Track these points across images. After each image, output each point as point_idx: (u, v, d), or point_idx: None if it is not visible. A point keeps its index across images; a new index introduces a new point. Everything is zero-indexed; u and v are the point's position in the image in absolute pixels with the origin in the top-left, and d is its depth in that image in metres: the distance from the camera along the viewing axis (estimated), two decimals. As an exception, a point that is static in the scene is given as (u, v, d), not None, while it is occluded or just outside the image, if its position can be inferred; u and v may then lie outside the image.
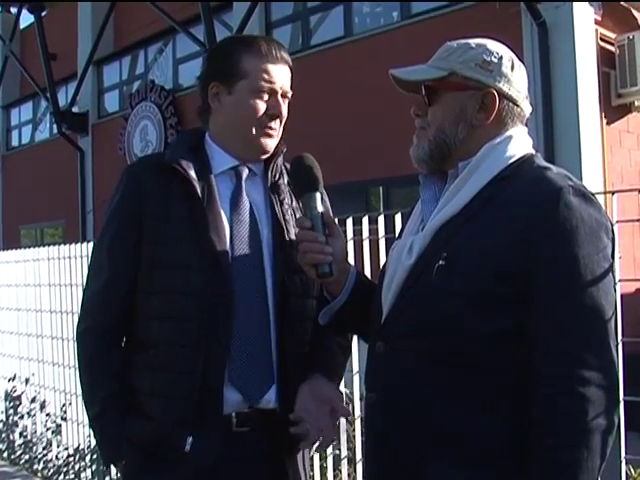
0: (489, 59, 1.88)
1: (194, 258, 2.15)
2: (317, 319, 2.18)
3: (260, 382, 2.18)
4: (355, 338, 3.46)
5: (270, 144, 2.29)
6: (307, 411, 2.15)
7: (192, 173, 2.20)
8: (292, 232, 2.27)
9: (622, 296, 2.42)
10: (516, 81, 1.90)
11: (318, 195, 2.09)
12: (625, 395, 2.53)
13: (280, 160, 2.37)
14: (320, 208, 2.08)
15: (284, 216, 2.29)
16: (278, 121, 2.28)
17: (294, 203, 2.34)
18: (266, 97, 2.24)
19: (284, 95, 2.28)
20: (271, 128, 2.27)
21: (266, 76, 2.23)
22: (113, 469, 4.71)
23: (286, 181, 2.36)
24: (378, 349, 1.91)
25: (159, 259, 2.18)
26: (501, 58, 1.89)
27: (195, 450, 2.12)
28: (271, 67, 2.24)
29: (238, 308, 2.16)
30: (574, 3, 8.89)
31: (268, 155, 2.32)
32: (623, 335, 2.56)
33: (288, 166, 2.38)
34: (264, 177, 2.34)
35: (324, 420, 2.19)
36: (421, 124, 1.96)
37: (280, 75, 2.25)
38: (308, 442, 2.20)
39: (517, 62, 1.93)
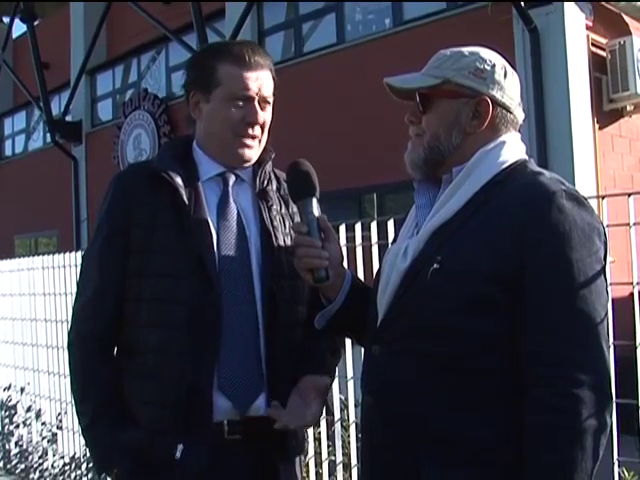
0: (482, 67, 1.91)
1: (181, 265, 2.15)
2: (308, 325, 2.20)
3: (249, 389, 2.18)
4: (349, 344, 3.48)
5: (249, 153, 2.27)
6: (292, 404, 2.16)
7: (178, 180, 2.20)
8: (280, 238, 2.27)
9: (616, 300, 2.44)
10: (509, 88, 1.93)
11: (314, 200, 2.10)
12: (617, 398, 2.55)
13: (269, 167, 2.37)
14: (316, 213, 2.09)
15: (272, 222, 2.29)
16: (258, 128, 2.26)
17: (283, 210, 2.35)
18: (241, 104, 2.22)
19: (263, 100, 2.26)
20: (249, 136, 2.25)
21: (240, 83, 2.21)
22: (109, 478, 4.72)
23: (275, 187, 2.36)
24: (374, 352, 1.92)
25: (146, 267, 2.18)
26: (494, 66, 1.92)
27: (185, 457, 2.12)
28: (245, 74, 2.21)
29: (226, 315, 2.16)
30: (565, 10, 8.91)
31: (251, 163, 2.31)
32: (616, 338, 2.57)
33: (278, 173, 2.39)
34: (252, 183, 2.34)
35: (308, 406, 2.18)
36: (415, 131, 1.98)
37: (256, 81, 2.22)
38: (286, 423, 2.15)
39: (510, 69, 1.95)
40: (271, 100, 2.30)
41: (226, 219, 2.25)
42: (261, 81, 2.24)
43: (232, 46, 2.30)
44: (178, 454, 2.12)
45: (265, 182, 2.35)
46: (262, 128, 2.28)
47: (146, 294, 2.18)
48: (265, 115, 2.27)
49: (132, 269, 2.20)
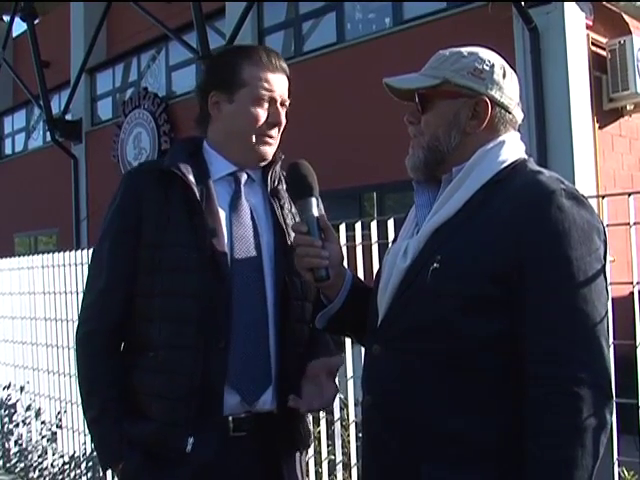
0: (481, 67, 1.91)
1: (193, 261, 2.18)
2: (314, 322, 2.21)
3: (257, 383, 2.21)
4: (349, 343, 3.48)
5: (269, 152, 2.33)
6: (307, 391, 2.24)
7: (191, 177, 2.23)
8: (292, 236, 2.30)
9: (616, 299, 2.44)
10: (508, 88, 1.93)
11: (314, 200, 2.11)
12: (618, 397, 2.55)
13: (278, 167, 2.41)
14: (316, 213, 2.10)
15: (285, 220, 2.33)
16: (277, 129, 2.33)
17: (293, 209, 2.38)
18: (266, 105, 2.28)
19: (282, 103, 2.33)
20: (270, 136, 2.31)
21: (266, 85, 2.27)
22: (109, 476, 4.72)
23: (285, 187, 2.39)
24: (375, 352, 1.92)
25: (158, 262, 2.20)
26: (493, 66, 1.92)
27: (196, 450, 2.15)
28: (271, 76, 2.28)
29: (237, 309, 2.19)
30: (565, 9, 8.91)
31: (266, 162, 2.36)
32: (616, 337, 2.57)
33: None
34: (263, 183, 2.38)
35: (323, 387, 2.27)
36: (414, 132, 1.98)
37: (279, 84, 2.30)
38: (310, 405, 2.26)
39: (509, 70, 1.95)
40: (287, 105, 2.36)
41: (239, 215, 2.29)
42: (283, 85, 2.33)
43: (257, 49, 2.36)
44: (189, 447, 2.15)
45: (276, 181, 2.40)
46: (279, 129, 2.35)
47: (158, 289, 2.20)
48: (284, 118, 2.35)
49: (143, 265, 2.23)
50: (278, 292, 2.26)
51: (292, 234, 2.28)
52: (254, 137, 2.29)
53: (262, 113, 2.28)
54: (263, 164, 2.36)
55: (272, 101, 2.29)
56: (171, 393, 2.17)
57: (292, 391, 2.23)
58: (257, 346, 2.22)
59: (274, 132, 2.32)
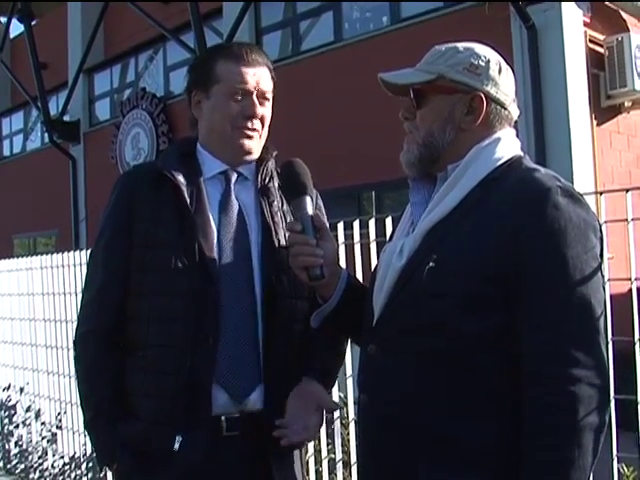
0: (477, 63, 1.90)
1: (181, 261, 2.19)
2: (308, 321, 2.21)
3: (246, 381, 2.21)
4: (348, 342, 3.47)
5: (249, 145, 2.32)
6: (293, 412, 2.19)
7: (180, 178, 2.25)
8: (281, 234, 2.31)
9: (614, 296, 2.44)
10: (503, 84, 1.92)
11: (308, 199, 2.11)
12: (617, 394, 2.55)
13: (271, 164, 2.41)
14: (310, 211, 2.09)
15: (273, 218, 2.32)
16: (258, 122, 2.32)
17: (284, 206, 2.37)
18: (240, 98, 2.29)
19: (262, 96, 2.32)
20: (248, 128, 2.30)
21: (238, 78, 2.28)
22: (109, 477, 4.71)
23: (277, 184, 2.38)
24: (370, 351, 1.92)
25: (148, 262, 2.22)
26: (488, 62, 1.91)
27: (184, 449, 2.15)
28: (244, 69, 2.28)
29: (226, 309, 2.19)
30: (562, 7, 8.91)
31: (252, 158, 2.36)
32: (614, 334, 2.57)
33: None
34: (255, 181, 2.38)
35: (310, 418, 2.23)
36: (410, 128, 1.98)
37: (253, 76, 2.29)
38: (290, 440, 2.19)
39: (504, 65, 1.95)
40: (270, 97, 2.36)
41: (227, 215, 2.29)
42: (259, 77, 2.31)
43: (230, 46, 2.39)
44: (177, 445, 2.15)
45: (267, 179, 2.39)
46: (262, 123, 2.34)
47: (147, 288, 2.22)
48: (264, 110, 2.33)
49: (135, 264, 2.25)
50: (265, 290, 2.26)
51: (280, 232, 2.30)
52: (231, 130, 2.29)
53: (235, 106, 2.28)
54: (248, 158, 2.35)
55: (246, 93, 2.29)
56: (158, 391, 2.18)
57: (280, 391, 2.21)
58: (246, 345, 2.22)
59: (252, 124, 2.30)
